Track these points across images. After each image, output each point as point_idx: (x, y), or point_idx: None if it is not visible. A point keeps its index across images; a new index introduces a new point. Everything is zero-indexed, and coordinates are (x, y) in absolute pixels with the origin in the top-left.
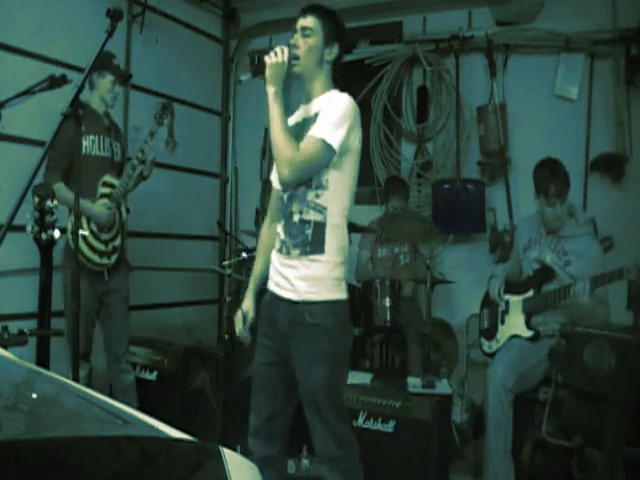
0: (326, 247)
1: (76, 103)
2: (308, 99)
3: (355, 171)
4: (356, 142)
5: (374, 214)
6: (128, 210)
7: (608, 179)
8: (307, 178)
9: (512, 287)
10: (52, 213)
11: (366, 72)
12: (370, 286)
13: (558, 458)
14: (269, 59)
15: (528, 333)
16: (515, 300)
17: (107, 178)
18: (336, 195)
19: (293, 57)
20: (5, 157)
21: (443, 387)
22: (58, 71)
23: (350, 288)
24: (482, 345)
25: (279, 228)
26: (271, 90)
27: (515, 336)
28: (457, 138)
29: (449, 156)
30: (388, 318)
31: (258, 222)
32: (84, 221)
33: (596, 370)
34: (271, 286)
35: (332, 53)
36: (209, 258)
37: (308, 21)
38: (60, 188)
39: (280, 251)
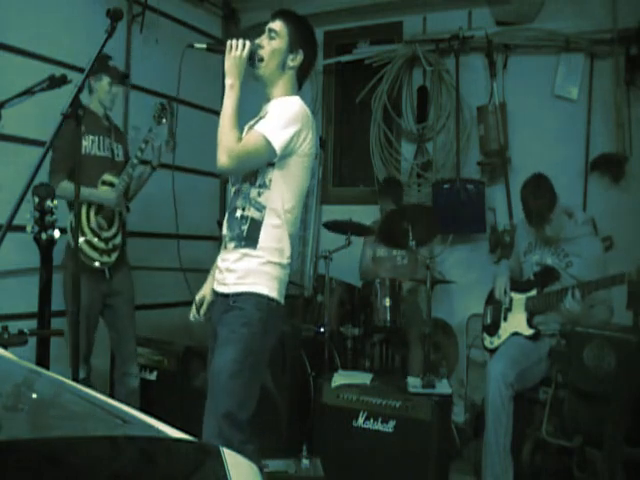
0: (259, 244)
1: (76, 103)
2: (267, 102)
3: (304, 175)
4: (305, 146)
5: (374, 214)
6: (128, 209)
7: (608, 179)
8: (244, 170)
9: (517, 285)
10: (52, 213)
11: (366, 72)
12: (370, 286)
13: (558, 458)
14: (227, 53)
15: (529, 331)
16: (518, 298)
17: (106, 177)
18: (277, 195)
19: (259, 59)
20: (5, 157)
21: (443, 387)
22: (58, 71)
23: (350, 288)
24: (484, 340)
25: (223, 223)
26: (228, 82)
27: (516, 333)
28: (457, 138)
29: (449, 156)
30: (388, 318)
31: None
32: (84, 220)
33: (596, 370)
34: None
35: (296, 59)
36: (210, 258)
37: (276, 24)
38: (65, 185)
39: (221, 246)
